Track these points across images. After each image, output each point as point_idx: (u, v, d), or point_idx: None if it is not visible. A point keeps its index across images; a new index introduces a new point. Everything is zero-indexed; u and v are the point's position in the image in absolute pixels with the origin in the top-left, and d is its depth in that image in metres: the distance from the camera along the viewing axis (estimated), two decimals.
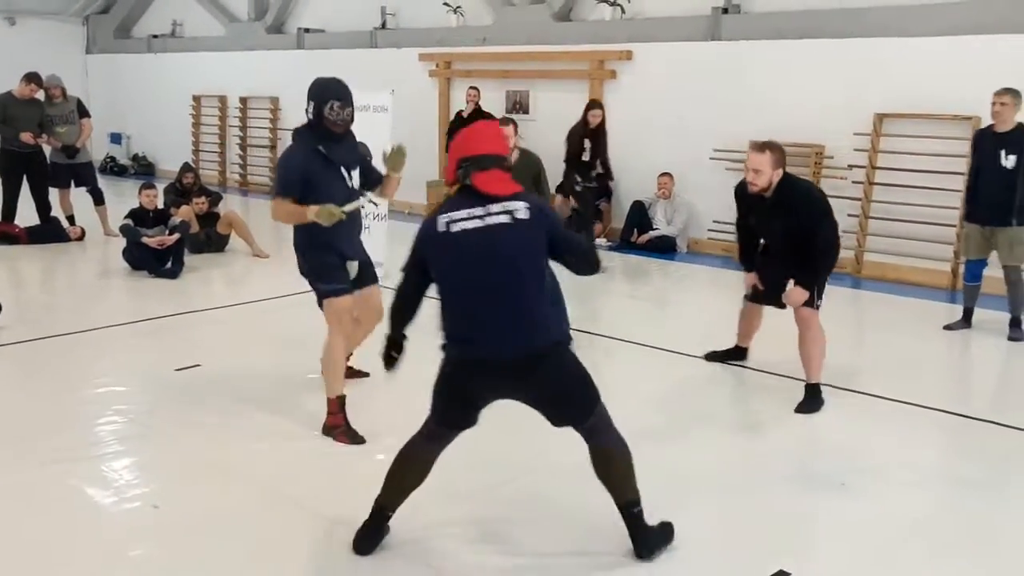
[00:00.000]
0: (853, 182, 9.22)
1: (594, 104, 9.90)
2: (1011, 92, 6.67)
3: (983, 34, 8.31)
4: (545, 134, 11.65)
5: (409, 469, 3.54)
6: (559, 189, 9.67)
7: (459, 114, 11.53)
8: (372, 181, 4.98)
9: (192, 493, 4.08)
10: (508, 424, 3.91)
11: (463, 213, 3.29)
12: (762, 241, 5.52)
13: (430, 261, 3.38)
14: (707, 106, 10.06)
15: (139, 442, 4.67)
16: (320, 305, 4.88)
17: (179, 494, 4.06)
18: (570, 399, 3.43)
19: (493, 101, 11.67)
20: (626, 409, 5.21)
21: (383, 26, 13.46)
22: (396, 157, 4.86)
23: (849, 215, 9.29)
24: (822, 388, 5.31)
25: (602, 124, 9.76)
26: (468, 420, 3.49)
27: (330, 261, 4.76)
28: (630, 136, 10.79)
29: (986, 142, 6.83)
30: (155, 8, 17.64)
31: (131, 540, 3.69)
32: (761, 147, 5.05)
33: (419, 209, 12.61)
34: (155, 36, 17.15)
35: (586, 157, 9.66)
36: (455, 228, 3.28)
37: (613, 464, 3.48)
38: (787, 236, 5.19)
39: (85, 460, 4.38)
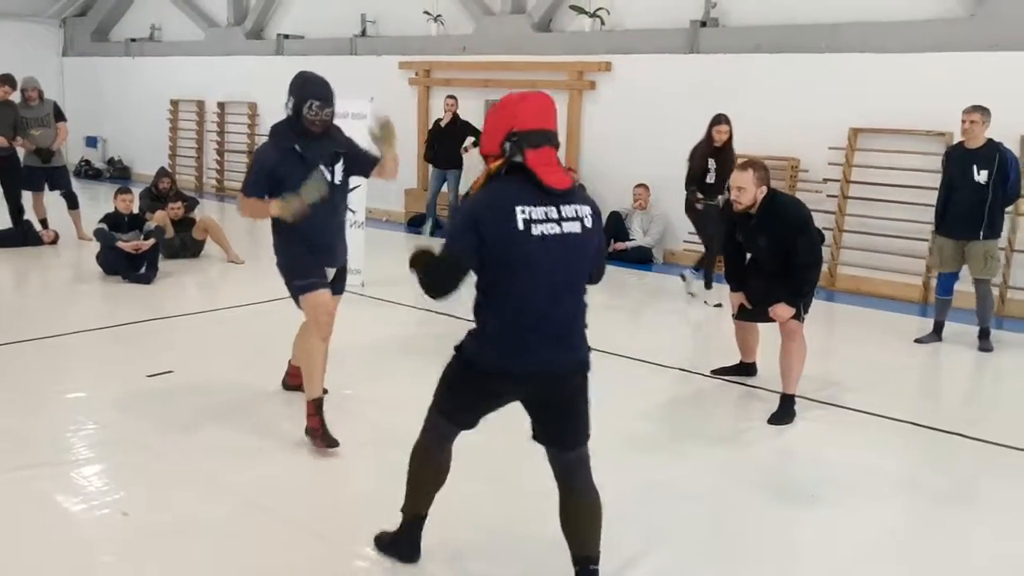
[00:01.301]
0: (828, 196, 9.31)
1: (720, 119, 8.19)
2: (980, 110, 6.81)
3: (956, 51, 8.43)
4: None
5: (432, 471, 3.40)
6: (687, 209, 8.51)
7: (437, 122, 11.55)
8: (366, 166, 4.86)
9: (163, 500, 4.04)
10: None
11: (539, 213, 2.99)
12: (749, 256, 5.56)
13: (489, 253, 3.00)
14: (685, 118, 10.11)
15: (109, 449, 4.62)
16: (297, 304, 4.78)
17: (149, 501, 4.03)
18: (580, 420, 3.24)
19: (472, 110, 11.68)
20: (597, 417, 5.25)
21: (363, 33, 13.46)
22: (386, 133, 4.71)
23: (823, 228, 9.38)
24: (796, 400, 5.36)
25: (729, 141, 8.19)
26: (476, 422, 3.32)
27: (304, 257, 4.69)
28: (608, 147, 10.86)
29: (957, 158, 6.94)
30: (133, 11, 17.54)
31: (100, 547, 3.65)
32: (744, 166, 5.18)
33: (397, 217, 12.61)
34: (133, 40, 17.05)
35: (711, 179, 8.14)
36: (535, 231, 2.98)
37: (590, 512, 3.24)
38: (773, 252, 5.25)
39: (55, 466, 4.33)
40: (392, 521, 3.55)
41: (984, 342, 7.00)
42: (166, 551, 3.62)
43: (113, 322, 6.97)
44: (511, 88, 12.35)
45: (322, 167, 4.63)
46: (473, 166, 10.42)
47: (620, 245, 10.30)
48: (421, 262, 3.12)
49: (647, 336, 7.29)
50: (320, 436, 4.61)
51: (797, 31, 9.50)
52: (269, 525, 3.85)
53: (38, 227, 10.10)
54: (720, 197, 7.68)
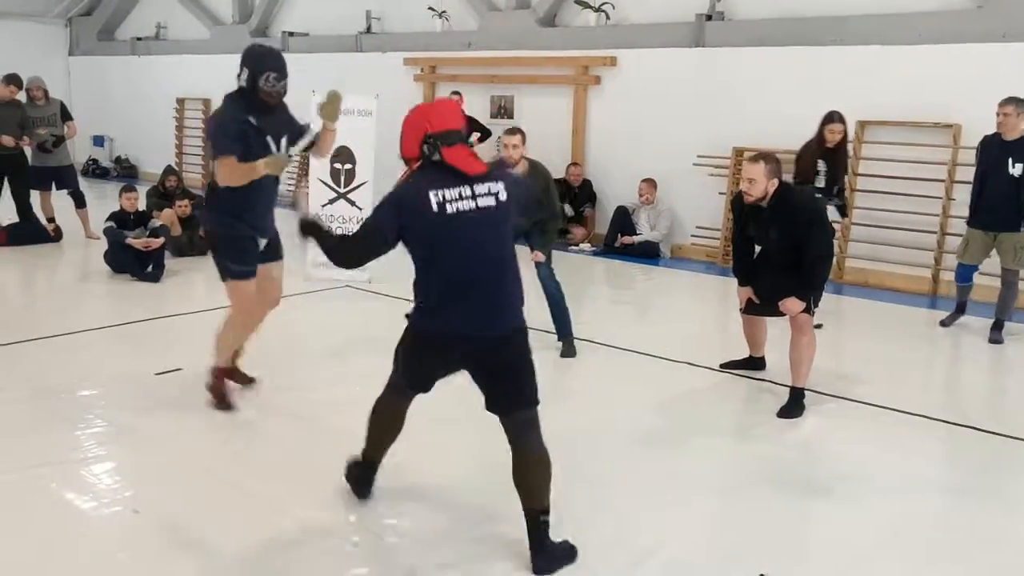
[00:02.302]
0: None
1: (833, 117, 7.20)
2: (1014, 101, 6.75)
3: (963, 43, 8.39)
4: (529, 139, 11.66)
5: (387, 423, 3.84)
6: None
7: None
8: (303, 144, 4.88)
9: (173, 497, 4.05)
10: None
11: (453, 193, 3.36)
12: (758, 248, 5.54)
13: (413, 236, 3.38)
14: (690, 112, 10.12)
15: (120, 446, 4.64)
16: (224, 281, 4.91)
17: (160, 499, 4.03)
18: (525, 382, 3.50)
19: (478, 106, 11.69)
20: (607, 412, 5.25)
21: (368, 30, 13.46)
22: (330, 106, 4.72)
23: (832, 221, 9.37)
24: (805, 393, 5.36)
25: (843, 141, 7.29)
26: (429, 386, 3.70)
27: (244, 239, 4.75)
28: (613, 142, 10.84)
29: (993, 150, 6.89)
30: (139, 10, 17.56)
31: (112, 545, 3.66)
32: (755, 158, 5.20)
33: None
34: (139, 39, 17.08)
35: (820, 182, 7.18)
36: (450, 209, 3.34)
37: (540, 467, 3.48)
38: (784, 245, 5.24)
39: (65, 464, 4.34)
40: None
41: (995, 333, 6.98)
42: (178, 548, 3.63)
43: (122, 320, 6.99)
44: (516, 84, 12.42)
45: (269, 138, 4.68)
46: None
47: (627, 240, 10.30)
48: (315, 230, 3.55)
49: (654, 331, 7.28)
50: (219, 398, 4.99)
51: (803, 24, 9.46)
52: (282, 522, 3.86)
53: (46, 225, 10.15)
54: (831, 204, 7.08)
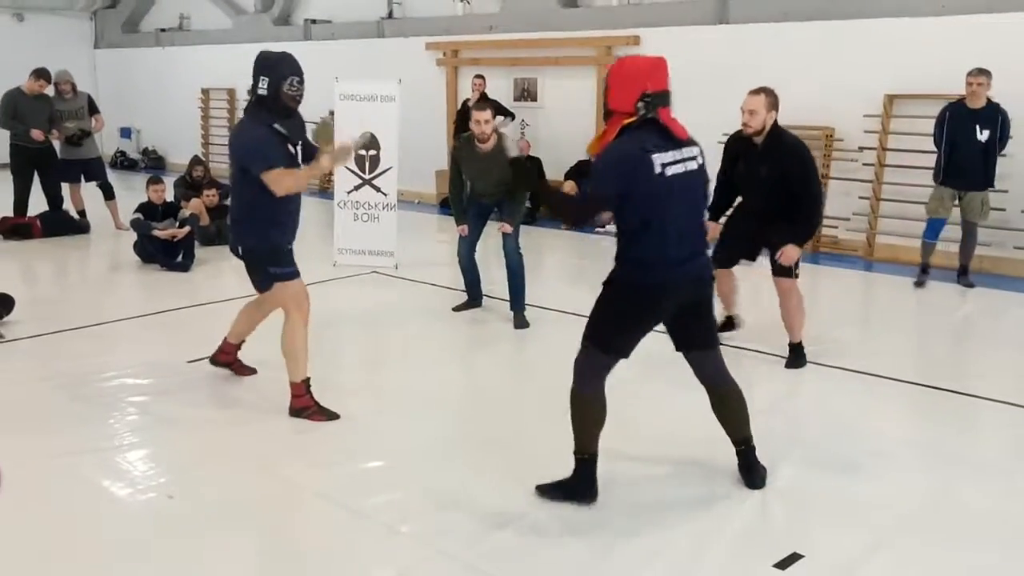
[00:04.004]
0: (864, 164, 9.17)
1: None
2: (985, 72, 7.33)
3: (993, 13, 8.24)
4: (553, 121, 11.64)
5: (597, 409, 3.81)
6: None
7: (465, 103, 11.52)
8: (310, 156, 4.86)
9: (206, 483, 4.10)
10: None
11: (669, 157, 3.61)
12: (739, 200, 5.71)
13: (639, 194, 3.57)
14: (715, 90, 10.00)
15: (153, 433, 4.70)
16: (261, 290, 4.89)
17: (193, 484, 4.08)
18: (713, 320, 4.03)
19: (501, 89, 11.65)
20: (639, 387, 5.24)
21: (390, 15, 13.44)
22: (321, 134, 4.89)
23: (860, 197, 9.26)
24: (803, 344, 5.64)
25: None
26: (632, 348, 3.81)
27: (285, 245, 4.77)
28: None
29: (960, 117, 7.48)
30: (162, 2, 17.66)
31: (146, 530, 3.71)
32: (757, 90, 5.36)
33: (428, 199, 12.62)
34: (163, 30, 17.18)
35: None
36: (669, 172, 3.59)
37: (740, 399, 3.97)
38: (773, 185, 5.33)
39: (99, 452, 4.40)
40: (420, 484, 3.56)
41: (964, 278, 7.80)
42: (212, 534, 3.68)
43: (152, 310, 7.06)
44: (539, 66, 12.35)
45: (290, 146, 4.68)
46: None
47: None
48: (533, 181, 4.00)
49: None
50: (317, 412, 4.77)
51: None
52: (316, 506, 3.90)
53: (75, 216, 10.28)
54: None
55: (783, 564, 3.41)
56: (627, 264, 3.73)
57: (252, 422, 4.81)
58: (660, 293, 3.72)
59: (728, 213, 5.84)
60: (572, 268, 9.13)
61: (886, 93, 8.92)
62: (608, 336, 3.77)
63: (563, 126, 11.37)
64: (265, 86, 4.57)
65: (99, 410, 4.95)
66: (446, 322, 6.81)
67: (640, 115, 3.58)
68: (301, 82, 4.61)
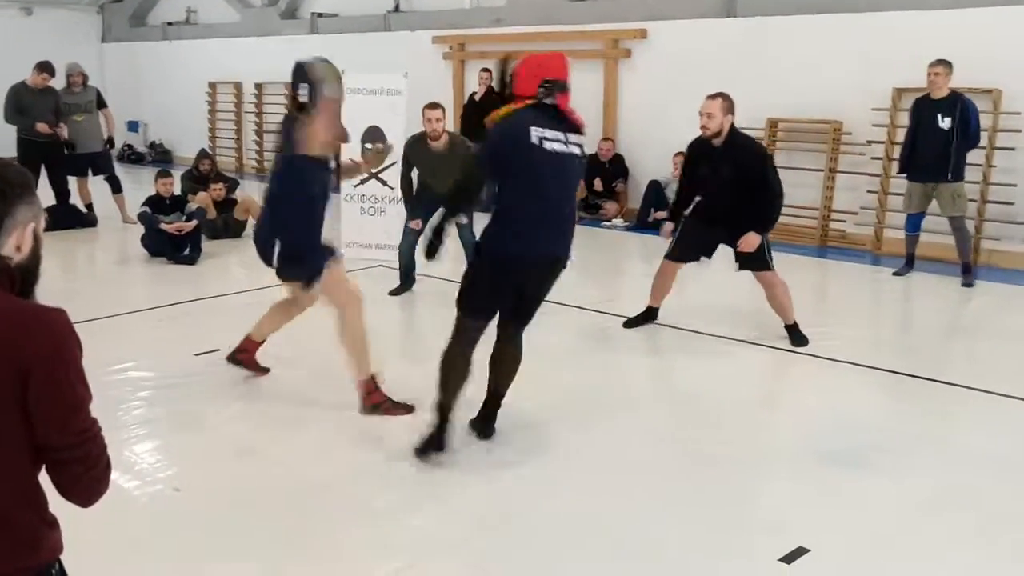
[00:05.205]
0: (872, 158, 9.14)
1: None
2: (943, 63, 7.49)
3: (1001, 6, 8.19)
4: None
5: (461, 372, 4.12)
6: None
7: (471, 96, 11.50)
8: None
9: (213, 476, 4.11)
10: None
11: (551, 134, 3.91)
12: (698, 199, 5.95)
13: (513, 163, 3.90)
14: (723, 84, 9.88)
15: (160, 426, 4.71)
16: (305, 287, 4.78)
17: (201, 477, 4.10)
18: (541, 301, 4.24)
19: None
20: (645, 383, 5.25)
21: (396, 9, 13.42)
22: (376, 157, 5.47)
23: (868, 191, 9.23)
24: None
25: None
26: (494, 312, 4.13)
27: (318, 241, 4.75)
28: (645, 115, 10.73)
29: (924, 108, 7.63)
30: None
31: (156, 523, 3.72)
32: (714, 95, 5.68)
33: None
34: (170, 23, 17.19)
35: None
36: (547, 146, 3.89)
37: (516, 356, 4.28)
38: (736, 183, 5.60)
39: (107, 444, 4.40)
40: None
41: (966, 276, 7.63)
42: (220, 526, 3.69)
43: (159, 303, 7.08)
44: None
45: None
46: None
47: (660, 215, 10.17)
48: (440, 229, 4.13)
49: (692, 301, 7.23)
50: (393, 405, 4.71)
51: None
52: (324, 499, 3.90)
53: (83, 211, 10.30)
54: None
55: (788, 559, 3.40)
56: (493, 231, 4.00)
57: (259, 415, 4.82)
58: (516, 265, 3.99)
59: (686, 212, 6.09)
60: (579, 260, 9.10)
61: (894, 87, 8.88)
62: (470, 303, 4.10)
63: None
64: (305, 94, 4.59)
65: (106, 403, 4.88)
66: (449, 314, 6.81)
67: (539, 99, 3.92)
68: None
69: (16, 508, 1.72)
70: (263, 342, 5.31)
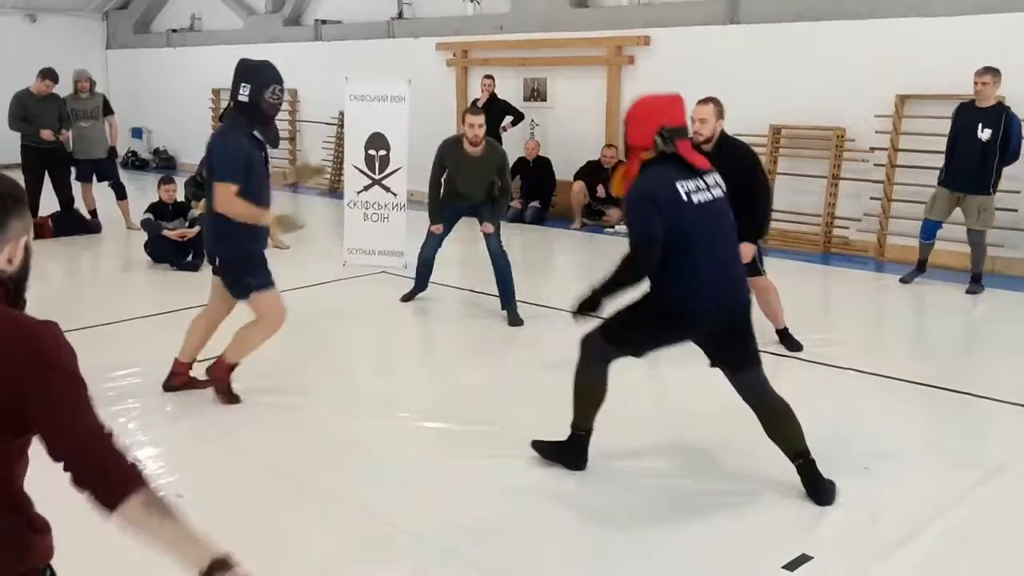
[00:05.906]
0: (875, 165, 9.13)
1: None
2: (991, 71, 7.31)
3: (1006, 13, 8.19)
4: (563, 121, 11.63)
5: (599, 390, 4.02)
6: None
7: (474, 103, 11.52)
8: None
9: (216, 482, 4.11)
10: None
11: (693, 185, 3.71)
12: None
13: (673, 224, 3.64)
14: (726, 90, 9.90)
15: (163, 432, 4.71)
16: (240, 298, 4.87)
17: (203, 483, 4.09)
18: (753, 342, 3.94)
19: (511, 89, 11.65)
20: (645, 390, 5.23)
21: (400, 16, 13.45)
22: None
23: (871, 198, 9.23)
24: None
25: None
26: (637, 356, 4.00)
27: (260, 254, 4.77)
28: None
29: (965, 115, 7.46)
30: (174, 2, 17.71)
31: None
32: (705, 100, 5.64)
33: None
34: (174, 30, 17.24)
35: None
36: (695, 199, 3.69)
37: (785, 414, 3.91)
38: (727, 187, 5.51)
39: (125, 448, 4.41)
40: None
41: (974, 285, 7.59)
42: (224, 532, 3.67)
43: (163, 309, 7.08)
44: (549, 66, 12.33)
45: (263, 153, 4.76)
46: (512, 145, 10.39)
47: None
48: (595, 299, 3.86)
49: None
50: (226, 393, 4.92)
51: None
52: (327, 507, 3.90)
53: (86, 216, 10.32)
54: None
55: (792, 565, 3.39)
56: (660, 292, 3.81)
57: (262, 421, 4.82)
58: (689, 323, 3.82)
59: None
60: (582, 266, 9.11)
61: (897, 93, 8.88)
62: (626, 339, 3.94)
63: (573, 126, 11.36)
64: (246, 93, 4.58)
65: (109, 408, 4.96)
66: (454, 322, 6.83)
67: (659, 149, 3.70)
68: (282, 90, 4.69)
69: None
70: (192, 363, 5.23)
